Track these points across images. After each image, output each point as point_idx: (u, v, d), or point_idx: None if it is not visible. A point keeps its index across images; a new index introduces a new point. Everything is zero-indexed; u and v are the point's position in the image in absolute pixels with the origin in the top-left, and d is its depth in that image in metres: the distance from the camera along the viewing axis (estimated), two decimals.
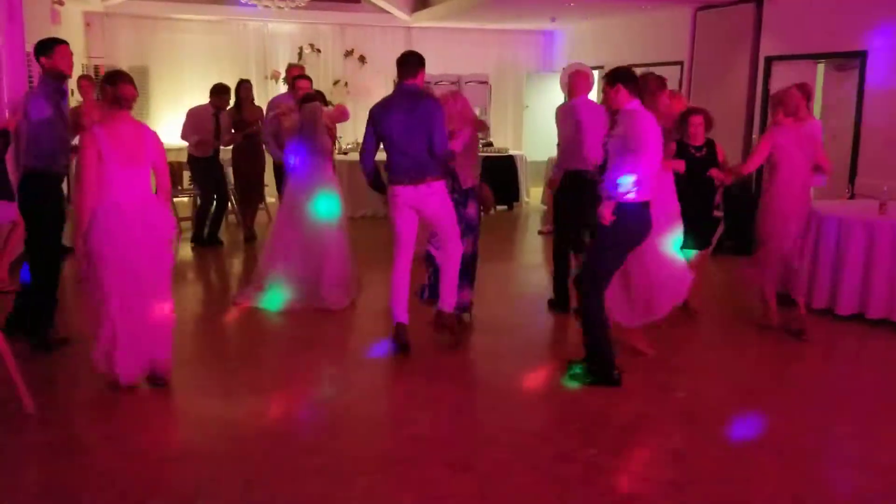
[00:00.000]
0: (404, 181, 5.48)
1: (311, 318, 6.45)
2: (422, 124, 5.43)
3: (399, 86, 5.68)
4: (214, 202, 9.54)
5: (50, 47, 5.69)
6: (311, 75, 9.12)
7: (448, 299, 5.74)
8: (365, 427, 4.51)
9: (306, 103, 6.92)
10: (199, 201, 9.74)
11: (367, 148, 5.64)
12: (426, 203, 5.52)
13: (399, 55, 5.69)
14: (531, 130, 14.42)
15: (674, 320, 6.19)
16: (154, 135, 4.89)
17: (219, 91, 9.38)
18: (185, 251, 9.42)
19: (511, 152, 12.68)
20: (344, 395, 4.99)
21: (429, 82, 9.95)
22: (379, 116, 5.53)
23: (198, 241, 9.48)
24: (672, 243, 5.72)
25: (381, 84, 14.04)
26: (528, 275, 8.56)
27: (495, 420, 4.62)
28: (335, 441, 4.25)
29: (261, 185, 9.91)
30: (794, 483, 3.92)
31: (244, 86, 9.84)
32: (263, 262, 7.08)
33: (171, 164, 10.18)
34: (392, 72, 13.86)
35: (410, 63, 5.57)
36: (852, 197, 7.73)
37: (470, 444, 4.28)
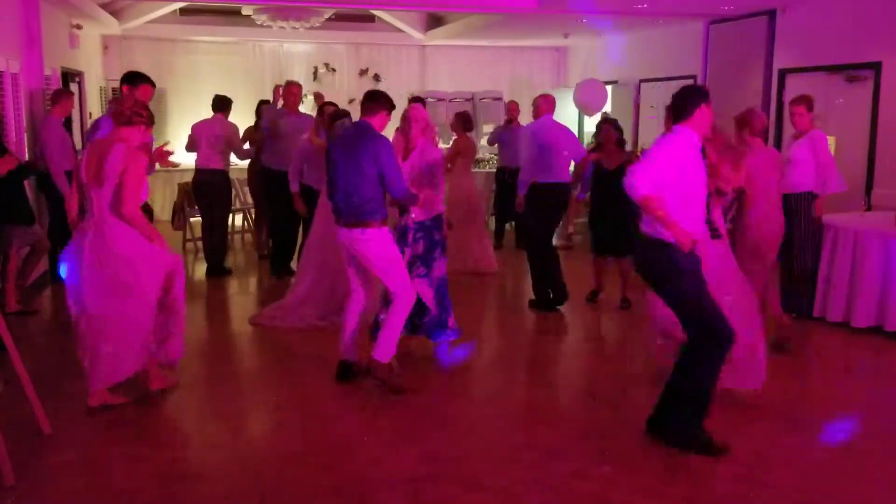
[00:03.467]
0: (340, 222, 5.18)
1: (326, 337, 6.46)
2: (362, 165, 5.06)
3: (355, 122, 5.41)
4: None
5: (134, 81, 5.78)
6: (326, 94, 9.18)
7: (383, 349, 5.21)
8: (379, 446, 4.51)
9: (338, 120, 6.88)
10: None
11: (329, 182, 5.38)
12: (360, 250, 5.14)
13: (366, 92, 5.45)
14: None
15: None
16: (120, 151, 4.63)
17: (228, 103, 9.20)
18: (204, 271, 9.48)
19: None
20: (358, 413, 5.00)
21: (442, 99, 10.02)
22: (336, 154, 5.23)
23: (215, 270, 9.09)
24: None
25: (395, 102, 14.09)
26: None
27: (510, 438, 4.61)
28: (349, 460, 4.26)
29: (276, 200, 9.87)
30: (811, 500, 3.89)
31: (264, 106, 9.90)
32: (294, 282, 7.13)
33: (187, 184, 10.30)
34: (407, 90, 14.09)
35: (373, 102, 5.26)
36: (869, 209, 7.68)
37: (485, 462, 4.27)
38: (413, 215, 5.70)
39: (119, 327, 4.71)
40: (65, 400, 5.02)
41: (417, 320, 5.78)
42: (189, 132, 8.99)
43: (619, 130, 7.45)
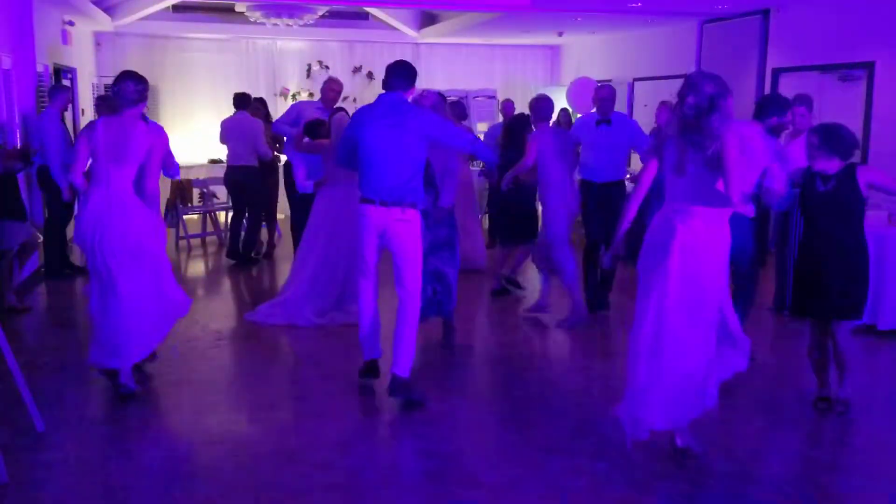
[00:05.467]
0: (375, 201, 4.90)
1: (322, 334, 6.46)
2: (406, 142, 4.87)
3: (382, 95, 5.03)
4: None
5: None
6: (319, 92, 9.12)
7: (405, 363, 4.95)
8: (375, 443, 4.51)
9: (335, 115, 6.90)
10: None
11: (341, 154, 5.20)
12: (394, 230, 4.89)
13: (392, 63, 5.08)
14: None
15: None
16: (148, 132, 4.85)
17: (248, 100, 9.40)
18: (197, 268, 9.48)
19: None
20: (353, 411, 4.99)
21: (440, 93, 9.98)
22: (357, 125, 5.00)
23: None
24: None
25: None
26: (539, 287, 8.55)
27: (506, 435, 4.62)
28: (345, 457, 4.25)
29: (272, 202, 9.83)
30: (807, 496, 3.90)
31: (256, 103, 9.88)
32: (289, 278, 7.10)
33: (181, 181, 10.29)
34: None
35: (404, 73, 4.98)
36: None
37: (480, 458, 4.28)
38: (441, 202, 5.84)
39: (150, 294, 4.93)
40: (58, 397, 5.00)
41: None
42: (199, 129, 9.05)
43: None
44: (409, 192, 4.90)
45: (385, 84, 5.01)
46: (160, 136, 4.97)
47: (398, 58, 5.38)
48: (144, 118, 5.53)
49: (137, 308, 4.89)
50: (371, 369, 5.25)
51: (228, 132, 9.11)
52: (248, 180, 9.06)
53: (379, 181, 4.89)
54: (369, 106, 5.14)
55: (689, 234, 3.91)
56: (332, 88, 8.19)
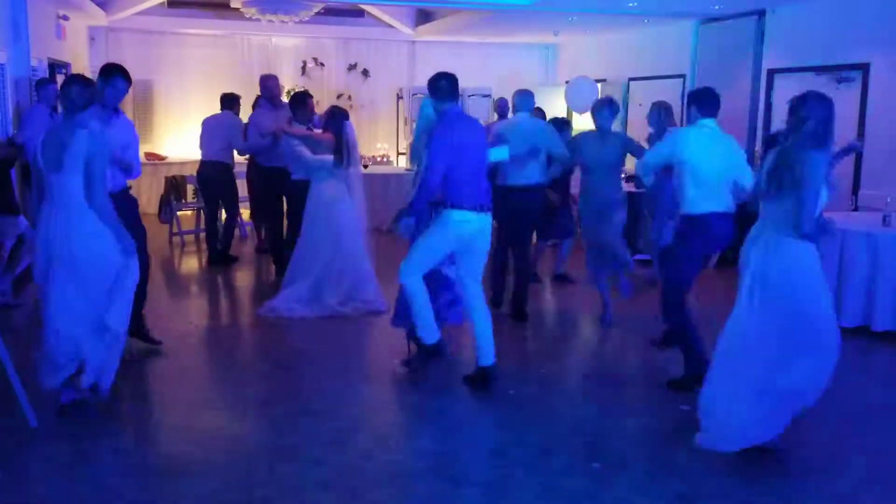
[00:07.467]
0: (477, 208, 5.12)
1: (317, 331, 6.45)
2: (483, 150, 5.27)
3: (454, 109, 5.18)
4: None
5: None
6: (314, 89, 9.12)
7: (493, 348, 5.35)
8: (370, 440, 4.49)
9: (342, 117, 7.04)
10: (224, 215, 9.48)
11: (439, 169, 5.03)
12: (485, 231, 5.21)
13: (447, 76, 5.17)
14: None
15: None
16: (88, 136, 4.43)
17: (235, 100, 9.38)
18: (191, 264, 9.45)
19: None
20: (349, 408, 4.98)
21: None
22: (459, 141, 5.06)
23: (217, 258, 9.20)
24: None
25: (384, 98, 14.11)
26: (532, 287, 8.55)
27: (501, 433, 4.61)
28: (340, 455, 4.24)
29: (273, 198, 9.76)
30: (801, 495, 3.90)
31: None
32: (295, 274, 7.08)
33: (174, 177, 10.27)
34: (396, 85, 14.07)
35: (456, 88, 5.19)
36: (856, 209, 7.72)
37: (475, 457, 4.27)
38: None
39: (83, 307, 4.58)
40: (51, 393, 4.97)
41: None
42: (193, 125, 9.02)
43: None
44: (490, 196, 5.30)
45: (446, 96, 5.13)
46: (100, 145, 4.51)
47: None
48: (116, 111, 5.35)
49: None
50: (490, 377, 5.31)
51: (206, 129, 9.02)
52: (216, 176, 8.95)
53: (478, 189, 5.16)
54: (457, 121, 5.17)
55: None
56: (266, 86, 8.62)
